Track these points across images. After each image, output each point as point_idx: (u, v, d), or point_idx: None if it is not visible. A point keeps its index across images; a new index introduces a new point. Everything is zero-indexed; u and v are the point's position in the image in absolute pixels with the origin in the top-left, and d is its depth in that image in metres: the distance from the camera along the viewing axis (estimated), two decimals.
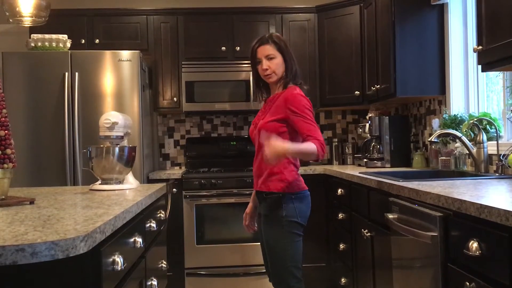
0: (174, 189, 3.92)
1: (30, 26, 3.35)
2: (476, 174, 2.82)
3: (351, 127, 4.85)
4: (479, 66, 2.47)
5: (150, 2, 4.58)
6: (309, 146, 2.30)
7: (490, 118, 2.94)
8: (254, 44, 2.55)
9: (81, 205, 1.88)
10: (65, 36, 3.89)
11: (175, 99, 4.34)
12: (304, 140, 2.36)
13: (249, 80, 4.19)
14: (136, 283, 1.87)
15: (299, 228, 2.45)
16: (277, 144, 2.22)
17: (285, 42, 2.55)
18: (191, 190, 3.96)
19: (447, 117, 3.26)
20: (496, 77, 3.13)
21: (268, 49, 2.49)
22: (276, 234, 2.44)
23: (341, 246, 3.61)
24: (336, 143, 4.63)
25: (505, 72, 2.85)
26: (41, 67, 3.72)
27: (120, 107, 3.72)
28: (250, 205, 2.75)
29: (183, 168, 4.63)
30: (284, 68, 2.51)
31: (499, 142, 2.81)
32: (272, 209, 2.45)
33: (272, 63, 2.49)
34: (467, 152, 2.96)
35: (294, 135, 2.45)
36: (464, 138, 2.93)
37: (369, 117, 4.07)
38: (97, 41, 4.23)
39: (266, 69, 2.49)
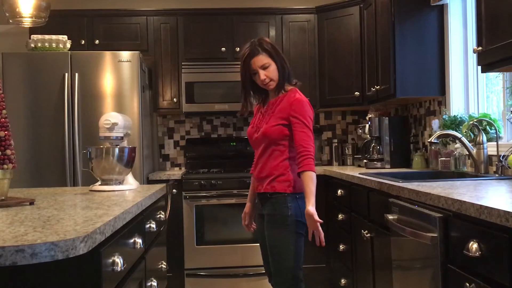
0: (174, 190, 3.93)
1: (30, 27, 3.36)
2: (476, 175, 2.82)
3: (351, 127, 4.84)
4: (479, 67, 2.47)
5: (150, 3, 4.58)
6: (310, 179, 2.37)
7: (490, 119, 2.94)
8: (245, 56, 2.51)
9: (81, 206, 1.88)
10: (65, 36, 3.88)
11: (175, 99, 4.34)
12: (296, 148, 2.43)
13: None
14: (136, 284, 1.87)
15: (303, 227, 2.47)
16: (309, 216, 2.33)
17: (273, 46, 2.55)
18: (191, 191, 3.96)
19: (447, 118, 3.26)
20: (496, 78, 3.13)
21: (262, 59, 2.48)
22: (281, 233, 2.45)
23: (341, 247, 3.61)
24: (336, 144, 4.63)
25: (505, 73, 2.85)
26: (41, 67, 3.72)
27: (120, 107, 3.71)
28: (248, 204, 2.76)
29: (183, 169, 4.63)
30: (278, 72, 2.52)
31: (499, 143, 2.81)
32: (277, 208, 2.46)
33: (269, 71, 2.50)
34: (467, 153, 2.96)
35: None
36: (464, 139, 2.93)
37: (369, 118, 4.07)
38: (97, 41, 4.23)
39: (265, 79, 2.50)
